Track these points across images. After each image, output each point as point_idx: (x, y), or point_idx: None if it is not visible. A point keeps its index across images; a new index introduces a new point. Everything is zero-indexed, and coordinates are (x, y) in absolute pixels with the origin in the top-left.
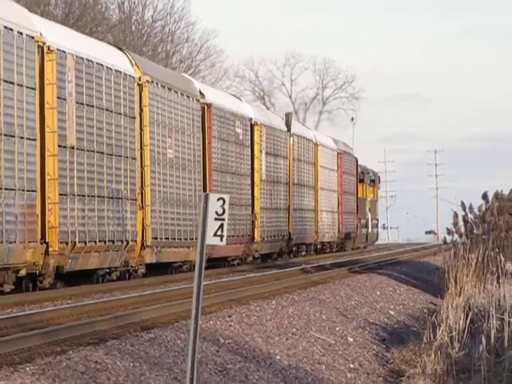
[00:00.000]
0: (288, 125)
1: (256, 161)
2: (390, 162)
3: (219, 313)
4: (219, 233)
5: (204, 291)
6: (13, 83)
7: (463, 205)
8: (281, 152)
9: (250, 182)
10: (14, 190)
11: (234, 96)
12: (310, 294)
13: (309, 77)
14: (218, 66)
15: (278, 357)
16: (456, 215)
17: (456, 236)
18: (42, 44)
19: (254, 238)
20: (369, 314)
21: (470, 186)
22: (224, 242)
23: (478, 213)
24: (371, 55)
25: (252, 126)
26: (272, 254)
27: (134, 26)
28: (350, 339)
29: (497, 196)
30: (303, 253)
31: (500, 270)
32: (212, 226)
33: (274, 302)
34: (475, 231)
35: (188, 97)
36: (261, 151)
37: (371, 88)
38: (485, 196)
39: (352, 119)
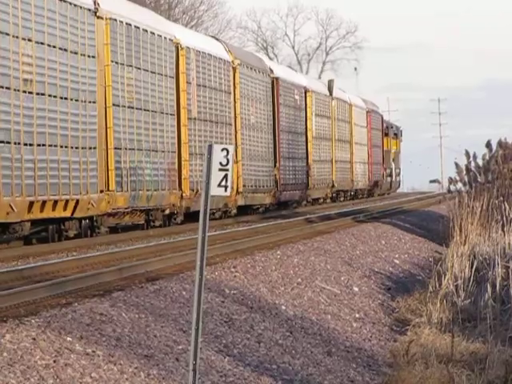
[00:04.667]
0: (330, 90)
1: (308, 121)
2: (394, 112)
3: (224, 263)
4: (223, 183)
5: (209, 242)
6: (162, 74)
7: (467, 153)
8: (326, 113)
9: (304, 139)
10: (164, 151)
11: (291, 68)
12: (315, 244)
13: (312, 27)
14: (220, 17)
15: (283, 307)
16: (458, 165)
17: (460, 185)
18: (177, 44)
19: (308, 185)
20: (374, 264)
21: (474, 135)
22: (228, 193)
23: (482, 161)
24: (373, 4)
25: (305, 93)
26: (319, 198)
27: None
28: (356, 289)
29: (500, 144)
30: (341, 198)
31: (505, 219)
32: (216, 176)
33: (278, 252)
34: (479, 179)
35: (262, 73)
36: (312, 113)
37: (374, 37)
38: (488, 144)
39: (355, 69)
